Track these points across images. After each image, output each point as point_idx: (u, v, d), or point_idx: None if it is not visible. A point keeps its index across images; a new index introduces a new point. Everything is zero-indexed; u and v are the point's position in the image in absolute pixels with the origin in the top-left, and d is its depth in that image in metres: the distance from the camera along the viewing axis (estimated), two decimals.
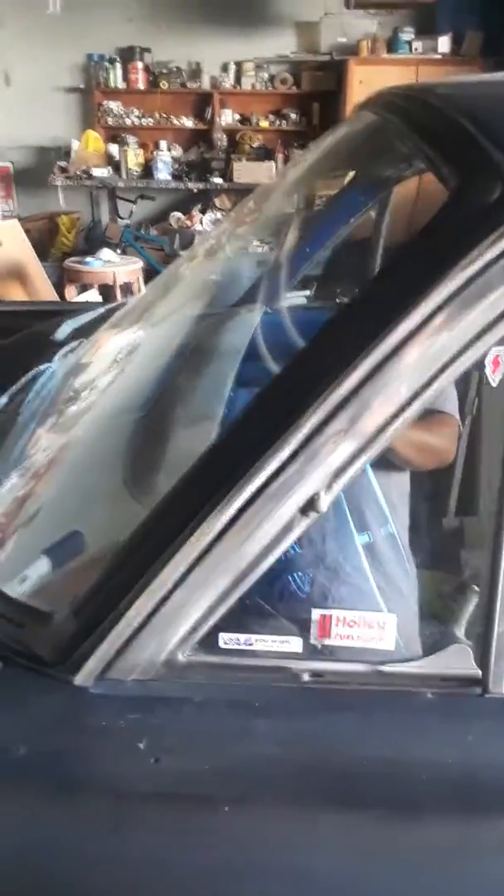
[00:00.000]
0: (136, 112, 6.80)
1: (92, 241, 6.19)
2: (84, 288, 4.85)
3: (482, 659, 0.90)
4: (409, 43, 6.34)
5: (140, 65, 6.63)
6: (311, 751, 0.87)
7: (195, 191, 6.67)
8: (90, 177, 6.46)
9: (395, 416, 0.86)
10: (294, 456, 0.86)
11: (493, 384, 0.95)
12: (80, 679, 0.89)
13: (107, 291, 4.82)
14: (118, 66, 6.64)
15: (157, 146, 6.72)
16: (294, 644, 0.93)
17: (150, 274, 4.89)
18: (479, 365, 0.90)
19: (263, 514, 0.87)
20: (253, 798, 0.84)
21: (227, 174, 6.63)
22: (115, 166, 6.58)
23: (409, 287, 0.86)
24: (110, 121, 6.77)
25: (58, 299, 4.70)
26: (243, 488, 0.86)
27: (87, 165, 6.47)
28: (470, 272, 0.84)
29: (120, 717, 0.88)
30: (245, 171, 6.51)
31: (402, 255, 0.98)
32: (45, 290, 4.78)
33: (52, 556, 1.05)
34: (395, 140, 1.38)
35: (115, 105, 6.78)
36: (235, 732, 0.88)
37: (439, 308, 0.84)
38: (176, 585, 0.87)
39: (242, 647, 0.92)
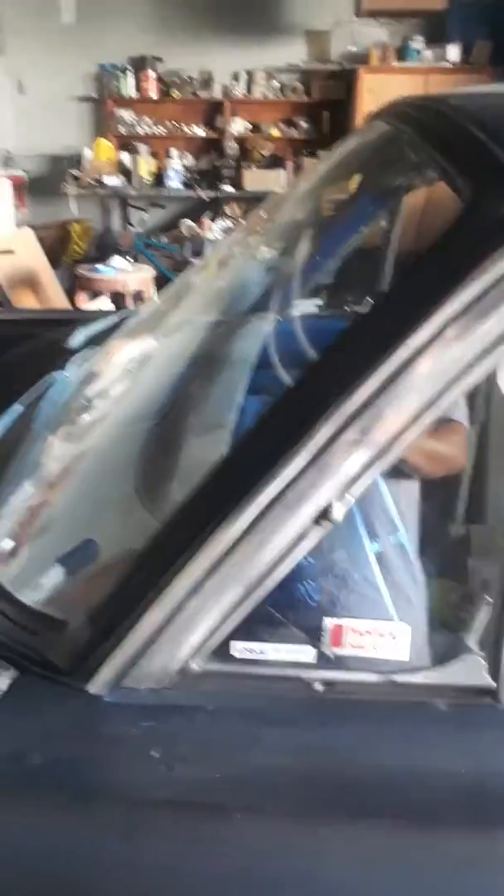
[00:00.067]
0: (148, 121, 6.84)
1: (103, 248, 6.22)
2: (95, 295, 4.87)
3: (495, 670, 0.90)
4: (419, 52, 6.36)
5: (152, 74, 6.67)
6: (324, 760, 0.88)
7: (206, 199, 6.69)
8: (102, 185, 6.49)
9: (409, 426, 0.87)
10: (308, 466, 0.86)
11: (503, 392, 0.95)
12: (94, 687, 0.90)
13: (118, 299, 4.84)
14: (130, 75, 6.69)
15: (168, 154, 6.76)
16: (306, 653, 0.94)
17: (161, 281, 4.91)
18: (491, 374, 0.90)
19: (277, 524, 0.87)
20: (265, 807, 0.84)
21: (237, 182, 6.65)
22: (127, 174, 6.62)
23: (424, 297, 0.87)
24: (122, 129, 6.81)
25: (69, 307, 4.72)
26: (257, 498, 0.86)
27: (99, 174, 6.50)
28: (484, 283, 0.84)
29: (134, 726, 0.88)
30: (255, 179, 6.53)
31: (416, 265, 0.99)
32: (57, 298, 4.80)
33: (65, 565, 1.06)
34: (407, 150, 1.38)
35: (126, 114, 6.83)
36: (248, 741, 0.88)
37: (453, 319, 0.85)
38: (190, 595, 0.88)
39: (255, 656, 0.93)
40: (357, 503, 0.99)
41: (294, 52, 6.70)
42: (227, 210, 6.65)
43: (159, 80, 6.72)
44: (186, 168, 6.76)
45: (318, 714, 0.92)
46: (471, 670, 0.91)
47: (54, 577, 1.05)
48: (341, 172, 1.93)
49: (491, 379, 0.93)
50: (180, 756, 0.86)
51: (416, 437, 0.87)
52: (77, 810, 0.85)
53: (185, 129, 6.84)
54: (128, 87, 6.71)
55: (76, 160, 6.70)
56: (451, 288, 0.85)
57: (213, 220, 6.43)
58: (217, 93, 6.75)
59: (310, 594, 1.21)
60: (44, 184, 6.83)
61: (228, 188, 6.65)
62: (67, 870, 0.85)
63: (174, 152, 6.76)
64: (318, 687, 0.91)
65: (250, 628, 0.93)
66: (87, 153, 6.61)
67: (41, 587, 1.04)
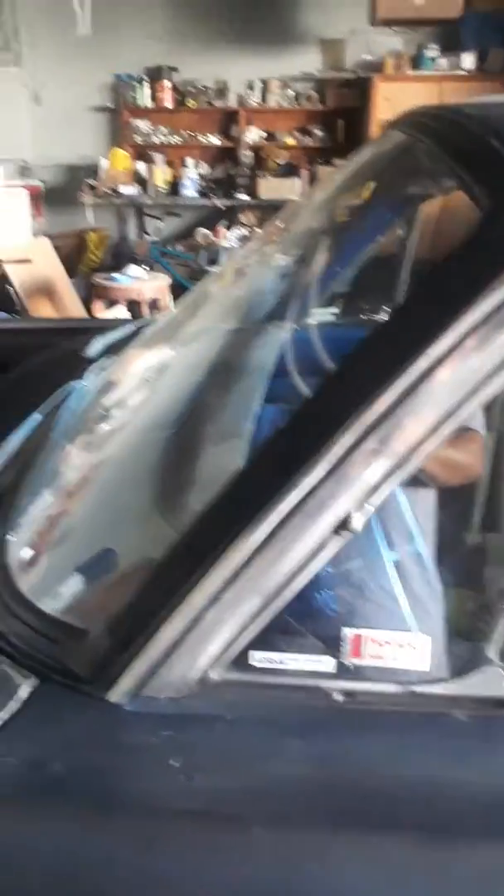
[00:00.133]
0: (164, 130, 6.90)
1: (119, 257, 6.26)
2: (111, 304, 4.91)
3: None
4: (434, 60, 6.37)
5: (167, 84, 6.72)
6: (344, 771, 0.87)
7: (221, 207, 6.73)
8: (118, 194, 6.54)
9: (429, 436, 0.87)
10: (327, 475, 0.86)
11: None
12: (114, 696, 0.90)
13: (134, 307, 4.87)
14: (146, 85, 6.74)
15: (183, 163, 6.80)
16: (326, 663, 0.93)
17: (176, 290, 4.94)
18: None
19: (296, 534, 0.87)
20: (284, 817, 0.84)
21: (252, 191, 6.68)
22: (143, 184, 6.66)
23: (444, 307, 0.87)
24: (138, 139, 6.87)
25: (86, 315, 4.75)
26: (276, 507, 0.87)
27: (115, 183, 6.55)
28: None
29: (153, 735, 0.88)
30: (270, 187, 6.56)
31: (434, 275, 0.99)
32: (73, 307, 4.84)
33: (85, 574, 1.06)
34: (424, 159, 1.38)
35: (142, 123, 6.88)
36: (267, 751, 0.88)
37: (473, 329, 0.85)
38: (209, 604, 0.88)
39: (274, 665, 0.93)
40: (375, 512, 0.99)
41: (309, 61, 6.73)
42: (243, 218, 6.68)
43: (174, 89, 6.77)
44: (202, 177, 6.80)
45: (338, 724, 0.91)
46: (491, 681, 0.90)
47: (74, 585, 1.05)
48: (358, 181, 1.93)
49: None
50: (200, 766, 0.86)
51: (435, 447, 0.87)
52: (96, 819, 0.85)
53: (201, 138, 6.88)
54: (143, 96, 6.77)
55: (92, 170, 6.75)
56: (470, 297, 0.85)
57: (228, 228, 6.46)
58: (232, 102, 6.79)
59: (328, 604, 1.21)
60: (60, 193, 6.90)
61: (243, 196, 6.68)
62: (86, 878, 0.85)
63: (189, 161, 6.80)
64: (338, 697, 0.91)
65: (269, 638, 0.93)
66: (104, 163, 6.66)
67: (61, 596, 1.04)
